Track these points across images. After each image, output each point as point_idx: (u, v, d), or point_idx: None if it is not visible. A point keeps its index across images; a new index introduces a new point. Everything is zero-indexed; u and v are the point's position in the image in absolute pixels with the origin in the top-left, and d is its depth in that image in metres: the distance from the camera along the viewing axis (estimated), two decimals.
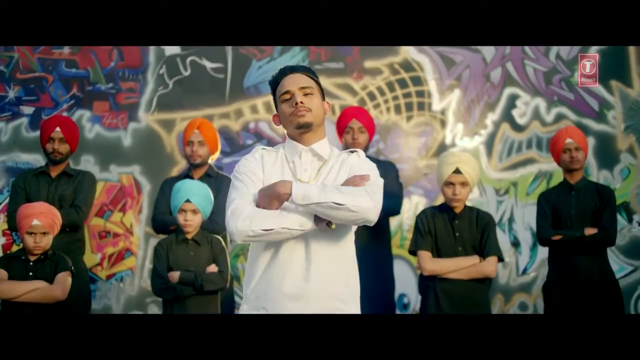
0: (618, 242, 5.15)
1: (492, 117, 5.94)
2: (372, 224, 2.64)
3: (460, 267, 4.27)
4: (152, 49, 5.97)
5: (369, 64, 5.97)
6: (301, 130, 2.71)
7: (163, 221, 4.76)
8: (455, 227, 4.37)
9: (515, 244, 5.87)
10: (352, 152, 2.79)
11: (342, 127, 4.96)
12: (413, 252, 4.44)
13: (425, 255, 4.34)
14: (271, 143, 5.75)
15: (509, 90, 5.95)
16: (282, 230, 2.56)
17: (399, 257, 5.62)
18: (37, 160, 5.78)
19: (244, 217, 2.58)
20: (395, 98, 5.97)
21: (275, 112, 2.82)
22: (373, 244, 4.81)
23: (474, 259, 4.30)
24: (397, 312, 5.55)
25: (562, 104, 5.91)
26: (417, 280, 5.75)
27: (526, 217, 5.84)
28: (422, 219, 4.42)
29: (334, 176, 2.70)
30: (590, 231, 4.50)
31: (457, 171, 4.32)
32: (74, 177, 4.83)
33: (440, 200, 5.70)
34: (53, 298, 4.14)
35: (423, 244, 4.36)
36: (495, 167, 5.92)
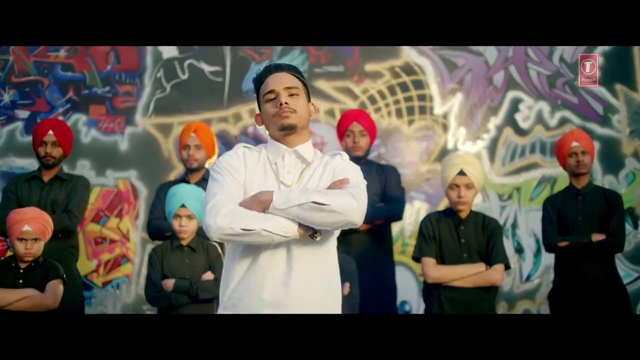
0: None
1: (494, 121, 5.88)
2: (357, 227, 2.56)
3: (466, 274, 4.15)
4: (149, 52, 5.91)
5: (369, 67, 5.91)
6: (285, 132, 2.61)
7: (158, 227, 4.69)
8: (461, 232, 4.27)
9: (519, 250, 5.80)
10: (335, 154, 2.70)
11: (342, 131, 4.89)
12: (417, 258, 4.33)
13: (429, 262, 4.23)
14: None
15: (512, 94, 5.88)
16: (263, 233, 2.46)
17: (400, 264, 5.55)
18: (32, 165, 5.69)
19: (224, 213, 2.48)
20: (397, 102, 5.91)
21: (258, 111, 2.72)
22: (374, 250, 4.75)
23: (480, 267, 4.19)
24: None
25: (566, 107, 5.85)
26: (418, 287, 5.70)
27: (530, 223, 5.78)
28: (427, 224, 4.32)
29: (318, 178, 2.61)
30: (597, 237, 4.41)
31: (461, 173, 4.22)
32: (67, 182, 4.76)
33: (442, 206, 5.64)
34: (44, 307, 4.05)
35: (427, 250, 4.25)
36: (498, 172, 5.85)
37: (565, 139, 4.67)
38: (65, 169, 5.36)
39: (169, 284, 4.17)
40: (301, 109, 2.61)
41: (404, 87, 5.92)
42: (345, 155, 2.71)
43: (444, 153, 5.75)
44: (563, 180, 5.53)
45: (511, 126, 5.87)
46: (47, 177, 4.77)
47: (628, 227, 5.57)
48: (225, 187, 2.56)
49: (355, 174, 2.62)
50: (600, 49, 5.77)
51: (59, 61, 5.91)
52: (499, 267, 4.18)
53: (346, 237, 4.57)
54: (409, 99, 5.92)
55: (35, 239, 4.11)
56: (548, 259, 5.56)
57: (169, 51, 5.93)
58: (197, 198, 4.24)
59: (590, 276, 4.39)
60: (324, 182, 2.60)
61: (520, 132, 5.87)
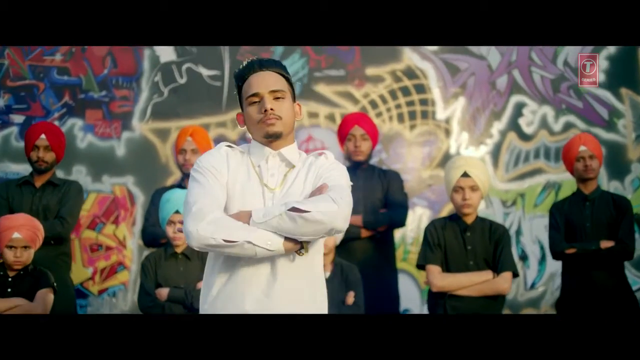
0: None
1: (498, 126, 5.81)
2: (342, 232, 2.45)
3: (472, 283, 4.03)
4: (146, 56, 5.84)
5: (370, 71, 5.84)
6: (269, 140, 2.51)
7: (153, 234, 4.62)
8: (467, 239, 4.15)
9: (523, 257, 5.72)
10: (320, 154, 2.59)
11: (343, 135, 4.81)
12: (421, 266, 4.22)
13: (434, 269, 4.11)
14: None
15: (515, 98, 5.81)
16: (246, 246, 2.34)
17: (402, 271, 5.47)
18: (27, 170, 5.56)
19: (207, 222, 2.36)
20: (398, 106, 5.84)
21: (239, 110, 2.60)
22: (377, 258, 4.67)
23: (487, 275, 4.07)
24: None
25: (570, 112, 5.77)
26: (421, 295, 5.61)
27: (534, 230, 5.71)
28: (431, 230, 4.21)
29: (303, 180, 2.50)
30: (606, 244, 4.33)
31: (465, 175, 4.12)
32: (59, 187, 4.68)
33: (445, 212, 5.56)
34: None
35: (432, 257, 4.13)
36: (501, 178, 5.77)
37: (572, 143, 4.59)
38: (61, 174, 5.29)
39: (163, 293, 4.05)
40: (286, 114, 2.50)
41: (405, 91, 5.84)
42: (330, 155, 2.59)
43: (446, 158, 5.67)
44: (568, 186, 5.47)
45: (515, 131, 5.79)
46: (39, 182, 4.69)
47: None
48: (208, 190, 2.44)
49: (338, 174, 2.51)
50: (604, 53, 5.71)
51: (54, 65, 5.85)
52: (506, 275, 4.06)
53: (348, 245, 4.50)
54: (410, 103, 5.84)
55: (25, 247, 4.00)
56: (553, 266, 5.50)
57: (167, 55, 5.86)
58: None
59: (598, 284, 4.31)
60: (308, 183, 2.50)
61: (524, 137, 5.80)
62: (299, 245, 2.41)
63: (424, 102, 5.85)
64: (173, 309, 4.01)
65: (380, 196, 4.73)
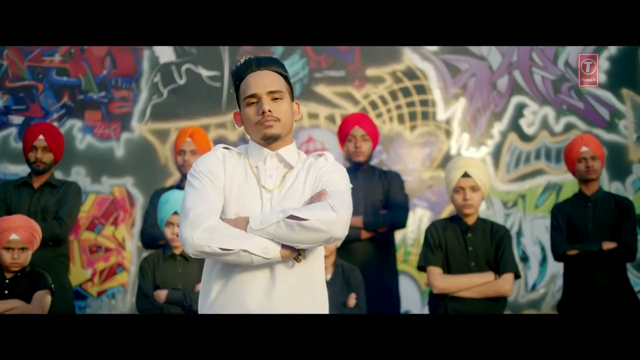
0: None
1: (499, 127, 5.79)
2: (341, 240, 2.43)
3: (474, 284, 4.00)
4: (146, 57, 5.82)
5: (371, 71, 5.81)
6: (267, 142, 2.48)
7: (152, 235, 4.59)
8: (468, 240, 4.12)
9: (524, 259, 5.70)
10: (319, 155, 2.55)
11: (344, 135, 4.78)
12: (422, 268, 4.18)
13: (435, 271, 4.08)
14: None
15: (516, 99, 5.79)
16: (242, 254, 2.32)
17: (402, 273, 5.45)
18: (26, 171, 5.55)
19: (203, 229, 2.34)
20: (399, 107, 5.81)
21: (237, 108, 2.56)
22: (377, 259, 4.64)
23: (489, 276, 4.04)
24: None
25: (571, 113, 5.75)
26: (421, 296, 5.59)
27: (535, 231, 5.70)
28: (432, 231, 4.17)
29: (302, 182, 2.47)
30: (608, 245, 4.30)
31: (465, 175, 4.09)
32: (57, 188, 4.66)
33: (445, 213, 5.54)
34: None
35: (433, 259, 4.10)
36: (502, 179, 5.75)
37: (574, 144, 4.57)
38: (60, 175, 5.28)
39: (162, 295, 4.03)
40: (285, 116, 2.47)
41: (406, 92, 5.82)
42: (330, 156, 2.56)
43: (447, 159, 5.65)
44: (569, 187, 5.44)
45: (516, 132, 5.77)
46: (37, 183, 4.67)
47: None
48: (205, 196, 2.41)
49: (338, 177, 2.47)
50: (605, 53, 5.70)
51: (53, 66, 5.83)
52: (508, 277, 4.02)
53: (348, 246, 4.47)
54: (411, 104, 5.82)
55: (23, 248, 3.97)
56: (554, 267, 5.47)
57: (166, 55, 5.84)
58: None
59: (600, 286, 4.29)
60: (308, 186, 2.46)
61: (525, 138, 5.77)
62: (297, 253, 2.38)
63: (424, 102, 5.82)
64: (171, 311, 3.99)
65: (380, 197, 4.71)
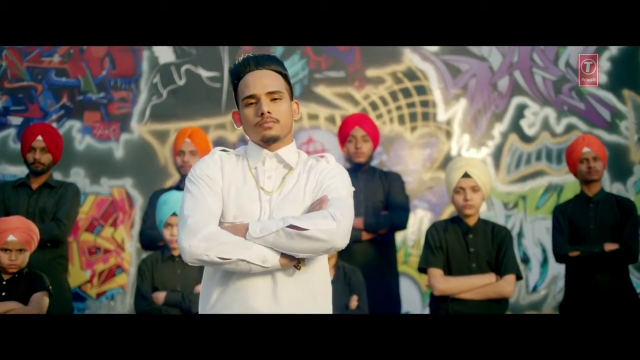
0: None
1: (499, 128, 5.77)
2: (341, 249, 2.38)
3: (475, 286, 3.97)
4: (145, 57, 5.81)
5: (371, 72, 5.80)
6: (267, 143, 2.45)
7: (151, 236, 4.57)
8: (469, 241, 4.10)
9: (525, 260, 5.68)
10: (320, 157, 2.51)
11: (344, 136, 4.77)
12: (423, 269, 4.15)
13: (436, 273, 4.05)
14: None
15: (517, 100, 5.77)
16: (240, 263, 2.29)
17: (403, 274, 5.43)
18: (25, 173, 5.54)
19: (201, 237, 2.31)
20: (399, 108, 5.80)
21: (235, 108, 2.52)
22: (378, 261, 4.62)
23: (490, 277, 4.01)
24: None
25: (572, 113, 5.73)
26: (421, 298, 5.57)
27: (536, 232, 5.68)
28: (433, 233, 4.15)
29: (303, 185, 2.43)
30: (610, 246, 4.28)
31: (466, 175, 4.06)
32: (56, 189, 4.65)
33: (445, 214, 5.52)
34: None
35: (434, 260, 4.07)
36: (503, 180, 5.73)
37: (575, 145, 4.55)
38: (59, 176, 5.26)
39: (160, 297, 4.01)
40: (284, 117, 2.43)
41: (406, 92, 5.80)
42: (331, 158, 2.52)
43: (447, 160, 5.63)
44: (570, 188, 5.43)
45: (516, 133, 5.75)
46: (35, 184, 4.66)
47: None
48: (202, 202, 2.37)
49: (340, 182, 2.43)
50: (606, 54, 5.68)
51: (52, 66, 5.81)
52: (510, 278, 3.99)
53: (349, 247, 4.42)
54: (411, 105, 5.80)
55: (20, 250, 3.94)
56: (555, 269, 5.46)
57: (166, 56, 5.83)
58: None
59: (602, 287, 4.26)
60: (309, 190, 2.42)
61: (526, 138, 5.75)
62: (296, 261, 2.35)
63: (424, 103, 5.81)
64: (170, 313, 3.96)
65: (381, 198, 4.69)
